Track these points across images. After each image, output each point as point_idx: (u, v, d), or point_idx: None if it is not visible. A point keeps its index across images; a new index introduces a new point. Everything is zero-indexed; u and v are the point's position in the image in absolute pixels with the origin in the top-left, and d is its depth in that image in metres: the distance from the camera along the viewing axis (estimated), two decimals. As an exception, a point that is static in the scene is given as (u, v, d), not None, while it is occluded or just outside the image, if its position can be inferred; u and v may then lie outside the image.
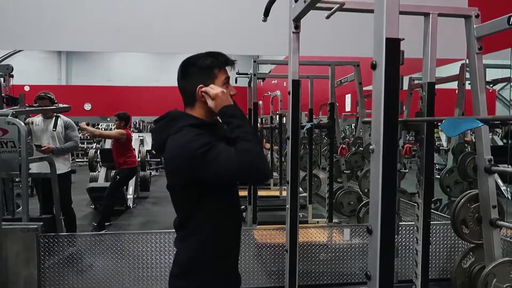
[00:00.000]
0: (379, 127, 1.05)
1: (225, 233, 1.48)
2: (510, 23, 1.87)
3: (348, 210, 4.38)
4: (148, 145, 8.04)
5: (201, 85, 1.42)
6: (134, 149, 5.67)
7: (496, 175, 2.08)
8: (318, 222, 4.48)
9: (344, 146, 4.45)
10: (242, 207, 5.19)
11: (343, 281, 3.14)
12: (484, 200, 2.06)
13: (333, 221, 4.20)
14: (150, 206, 6.75)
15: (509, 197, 4.76)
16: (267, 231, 3.22)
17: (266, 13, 1.79)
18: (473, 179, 3.50)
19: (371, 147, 1.10)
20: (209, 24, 3.00)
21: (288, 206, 1.73)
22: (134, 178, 6.49)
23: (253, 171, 1.32)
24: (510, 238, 2.65)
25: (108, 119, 14.68)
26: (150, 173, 8.58)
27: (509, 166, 3.19)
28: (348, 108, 5.81)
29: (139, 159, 7.05)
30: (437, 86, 2.06)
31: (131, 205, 6.29)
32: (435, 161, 6.31)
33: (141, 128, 14.81)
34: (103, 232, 4.79)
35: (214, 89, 1.40)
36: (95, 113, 13.51)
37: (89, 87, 14.57)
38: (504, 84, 4.94)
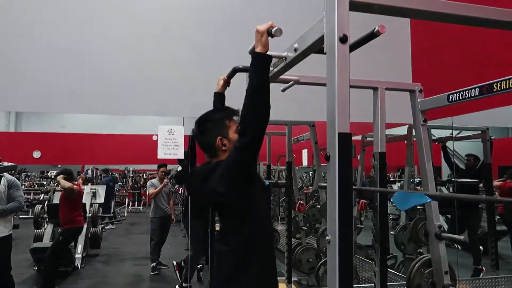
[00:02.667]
0: (335, 218, 1.07)
1: (266, 242, 1.66)
2: (450, 100, 2.03)
3: (307, 268, 4.34)
4: (101, 198, 7.65)
5: (220, 137, 1.66)
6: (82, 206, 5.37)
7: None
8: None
9: (301, 202, 4.48)
10: (199, 266, 5.00)
11: None
12: (436, 265, 2.11)
13: (292, 279, 4.12)
14: (100, 266, 6.32)
15: (459, 248, 4.99)
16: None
17: (230, 77, 1.98)
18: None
19: (327, 238, 1.10)
20: (165, 87, 3.03)
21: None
22: (85, 235, 6.11)
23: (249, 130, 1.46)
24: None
25: (59, 166, 14.01)
26: (102, 228, 8.13)
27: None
28: (305, 163, 5.94)
29: (89, 214, 6.67)
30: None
31: (79, 265, 5.85)
32: (388, 211, 6.52)
33: (93, 176, 14.21)
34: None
35: (263, 26, 1.48)
36: (45, 161, 12.86)
37: (40, 134, 13.96)
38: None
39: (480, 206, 5.38)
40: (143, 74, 3.02)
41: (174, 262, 4.93)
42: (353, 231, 5.01)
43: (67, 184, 4.86)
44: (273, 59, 1.62)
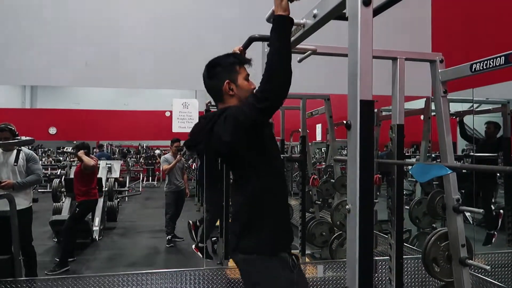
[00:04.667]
0: (355, 187, 1.05)
1: (281, 194, 1.67)
2: (473, 70, 1.96)
3: (321, 241, 4.37)
4: (116, 173, 7.78)
5: (227, 81, 1.64)
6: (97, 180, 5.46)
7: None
8: (291, 254, 4.43)
9: (315, 176, 4.47)
10: (214, 238, 5.09)
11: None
12: (453, 239, 2.10)
13: (306, 252, 4.17)
14: (118, 238, 6.49)
15: (473, 224, 4.96)
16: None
17: (245, 47, 1.93)
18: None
19: (347, 207, 1.09)
20: (179, 60, 3.00)
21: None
22: (101, 208, 6.24)
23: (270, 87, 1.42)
24: (479, 274, 2.71)
25: (75, 142, 14.24)
26: (118, 202, 8.30)
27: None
28: (318, 137, 5.90)
29: (106, 188, 6.79)
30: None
31: (97, 237, 6.01)
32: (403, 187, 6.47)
33: (109, 152, 14.41)
34: (64, 270, 4.55)
35: None
36: (60, 137, 13.06)
37: (55, 111, 14.13)
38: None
39: (496, 181, 5.30)
40: (157, 47, 2.99)
41: (190, 221, 5.00)
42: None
43: (91, 162, 4.93)
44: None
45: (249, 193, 1.61)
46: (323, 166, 7.54)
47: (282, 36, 1.43)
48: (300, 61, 1.99)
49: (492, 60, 1.86)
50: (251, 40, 1.94)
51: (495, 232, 4.28)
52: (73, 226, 4.85)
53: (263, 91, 1.43)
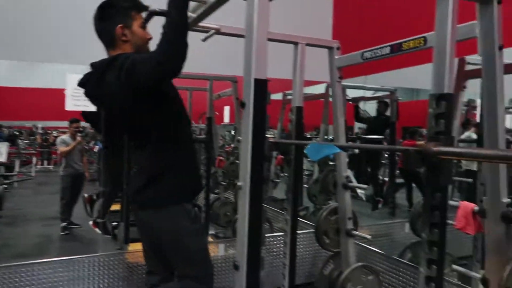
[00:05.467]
0: (246, 165, 1.08)
1: (186, 142, 1.67)
2: (364, 57, 2.13)
3: (225, 221, 4.45)
4: (2, 156, 6.93)
5: (121, 25, 1.53)
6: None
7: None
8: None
9: (221, 158, 4.51)
10: (114, 223, 4.84)
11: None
12: (342, 212, 2.29)
13: (210, 233, 4.21)
14: (3, 228, 5.83)
15: (364, 198, 5.53)
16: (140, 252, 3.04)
17: (146, 21, 1.78)
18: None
19: (238, 183, 1.11)
20: (74, 33, 2.74)
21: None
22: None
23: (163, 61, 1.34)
24: (363, 243, 3.00)
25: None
26: (5, 188, 7.43)
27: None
28: (226, 119, 5.94)
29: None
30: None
31: (-22, 227, 5.35)
32: (304, 167, 6.89)
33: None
34: None
35: None
36: None
37: None
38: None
39: (382, 161, 5.94)
40: (50, 18, 2.69)
41: (85, 195, 4.63)
42: (269, 183, 5.23)
43: None
44: (193, 3, 1.54)
45: (151, 143, 1.56)
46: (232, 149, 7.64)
47: (179, 8, 1.38)
48: (204, 40, 1.96)
49: (379, 49, 2.02)
50: (151, 13, 1.83)
51: (381, 199, 4.84)
52: None
53: (159, 54, 1.36)
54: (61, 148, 5.55)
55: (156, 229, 1.61)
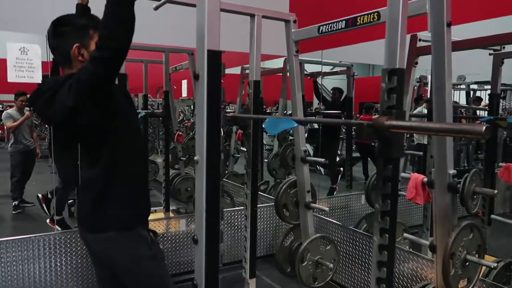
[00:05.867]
0: (202, 138, 1.06)
1: (136, 160, 1.55)
2: (320, 31, 2.13)
3: (186, 196, 4.44)
4: None
5: (77, 44, 1.43)
6: None
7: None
8: (156, 211, 4.40)
9: (180, 133, 4.44)
10: (70, 201, 4.70)
11: (180, 270, 3.17)
12: (300, 185, 2.34)
13: (171, 208, 4.19)
14: None
15: (322, 172, 5.69)
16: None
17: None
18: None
19: (195, 158, 1.09)
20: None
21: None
22: None
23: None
24: (321, 215, 3.11)
25: None
26: None
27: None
28: (184, 93, 5.80)
29: None
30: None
31: None
32: (265, 142, 6.95)
33: None
34: None
35: None
36: None
37: None
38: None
39: (340, 136, 6.10)
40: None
41: (39, 195, 4.49)
42: (229, 158, 5.23)
43: None
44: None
45: (102, 161, 1.46)
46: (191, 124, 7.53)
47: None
48: (155, 8, 1.87)
49: (335, 23, 2.03)
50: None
51: (336, 187, 5.03)
52: None
53: (102, 37, 1.27)
54: (8, 123, 5.23)
55: (111, 259, 1.52)
